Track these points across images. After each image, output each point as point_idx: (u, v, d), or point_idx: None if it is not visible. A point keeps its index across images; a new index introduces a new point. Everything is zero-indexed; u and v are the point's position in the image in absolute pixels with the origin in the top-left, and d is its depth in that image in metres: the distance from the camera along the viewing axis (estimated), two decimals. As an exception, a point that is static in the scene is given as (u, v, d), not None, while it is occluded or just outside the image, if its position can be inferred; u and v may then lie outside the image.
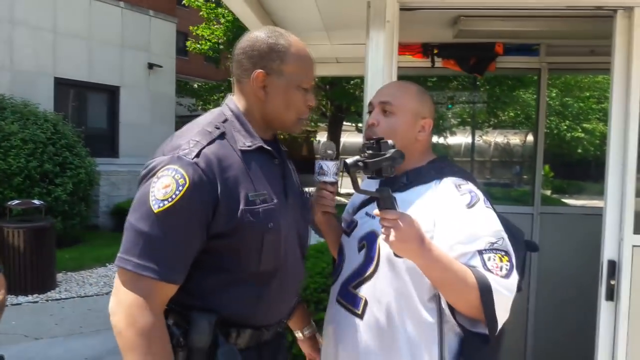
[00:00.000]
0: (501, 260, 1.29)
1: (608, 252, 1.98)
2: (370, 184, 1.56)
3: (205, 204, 1.22)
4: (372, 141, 1.34)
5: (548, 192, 13.70)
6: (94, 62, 10.86)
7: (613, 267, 1.97)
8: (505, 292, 1.28)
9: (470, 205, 1.34)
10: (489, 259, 1.29)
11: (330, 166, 1.47)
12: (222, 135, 1.29)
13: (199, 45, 14.27)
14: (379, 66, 1.89)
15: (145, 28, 12.07)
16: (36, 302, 5.70)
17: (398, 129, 1.47)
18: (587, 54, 3.07)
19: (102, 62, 10.98)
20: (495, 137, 16.63)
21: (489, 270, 1.28)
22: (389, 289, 1.40)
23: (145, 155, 1.31)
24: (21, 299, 5.69)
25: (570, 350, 3.12)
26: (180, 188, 1.19)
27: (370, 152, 1.32)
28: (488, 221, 1.34)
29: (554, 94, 14.06)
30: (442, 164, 1.50)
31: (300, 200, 1.48)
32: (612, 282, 1.97)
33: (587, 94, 15.32)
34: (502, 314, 1.30)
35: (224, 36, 12.97)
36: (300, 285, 1.55)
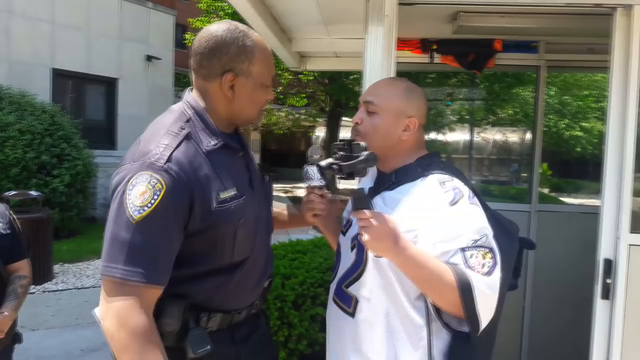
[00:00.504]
0: (484, 257, 1.27)
1: (604, 251, 1.98)
2: (365, 183, 1.57)
3: (182, 205, 1.25)
4: (343, 143, 1.37)
5: (546, 190, 13.71)
6: (92, 53, 10.82)
7: (609, 265, 1.97)
8: (486, 290, 1.26)
9: (453, 203, 1.32)
10: (471, 256, 1.27)
11: (315, 171, 1.49)
12: (188, 136, 1.31)
13: (197, 38, 14.23)
14: (377, 61, 1.88)
15: (144, 20, 12.02)
16: (33, 293, 5.68)
17: (380, 129, 1.46)
18: (586, 52, 3.06)
19: (100, 54, 10.93)
20: (494, 135, 16.65)
21: (470, 267, 1.26)
22: (377, 288, 1.41)
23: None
24: (17, 290, 5.68)
25: (565, 349, 3.13)
26: (158, 193, 1.21)
27: (341, 153, 1.35)
28: (471, 218, 1.32)
29: (553, 92, 14.05)
30: (430, 161, 1.48)
31: (263, 186, 1.54)
32: (608, 281, 1.97)
33: (586, 93, 15.32)
34: (486, 312, 1.28)
35: (223, 29, 12.91)
36: (271, 265, 1.60)
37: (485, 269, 1.26)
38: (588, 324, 2.05)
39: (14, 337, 2.33)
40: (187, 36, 14.08)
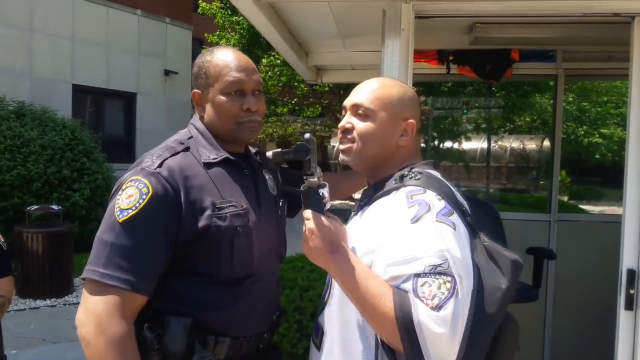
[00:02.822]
0: (439, 287, 1.01)
1: (627, 261, 1.95)
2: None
3: (170, 211, 1.24)
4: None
5: (565, 198, 13.56)
6: (111, 69, 11.01)
7: (632, 276, 1.94)
8: (434, 326, 0.99)
9: (415, 219, 1.09)
10: (424, 284, 1.02)
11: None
12: (186, 149, 1.35)
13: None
14: (394, 74, 1.89)
15: (162, 35, 12.21)
16: (54, 306, 5.76)
17: (375, 134, 1.27)
18: (605, 60, 3.05)
19: (119, 69, 11.13)
20: (511, 143, 16.50)
21: (418, 297, 1.01)
22: (338, 316, 1.23)
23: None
24: (39, 302, 5.77)
25: (588, 360, 3.08)
26: (144, 197, 1.21)
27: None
28: (433, 238, 1.06)
29: (571, 99, 13.93)
30: (410, 170, 1.24)
31: (274, 209, 1.49)
32: (632, 292, 1.94)
33: (605, 99, 15.16)
34: (435, 354, 1.00)
35: (238, 44, 13.11)
36: (279, 296, 1.55)
37: (435, 301, 1.00)
38: (611, 335, 2.02)
39: None
40: (204, 51, 14.25)
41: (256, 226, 1.36)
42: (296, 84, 12.90)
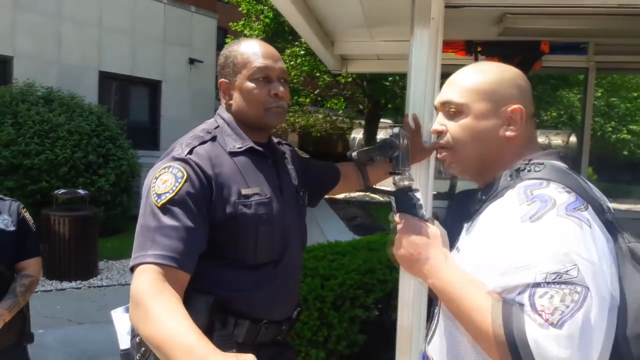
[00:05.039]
0: (563, 299, 0.81)
1: (656, 258, 1.92)
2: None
3: (203, 194, 1.29)
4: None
5: (591, 195, 13.31)
6: (137, 56, 11.13)
7: (661, 273, 1.90)
8: (554, 346, 0.80)
9: (535, 218, 0.89)
10: (543, 295, 0.83)
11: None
12: (213, 139, 1.40)
13: (238, 42, 14.43)
14: (422, 64, 1.87)
15: (187, 24, 12.28)
16: (79, 288, 5.90)
17: (472, 131, 1.09)
18: (638, 53, 2.97)
19: (144, 57, 11.24)
20: (537, 137, 16.20)
21: (536, 311, 0.83)
22: (447, 344, 1.07)
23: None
24: (65, 284, 5.90)
25: None
26: (180, 180, 1.26)
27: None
28: (556, 238, 0.86)
29: (599, 94, 13.64)
30: (529, 161, 1.05)
31: (296, 198, 1.53)
32: (660, 290, 1.91)
33: (635, 94, 14.80)
34: None
35: (263, 33, 13.12)
36: (299, 288, 1.59)
37: (557, 316, 0.81)
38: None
39: (20, 335, 2.24)
40: (228, 40, 14.30)
41: (279, 214, 1.40)
42: (318, 74, 12.87)
